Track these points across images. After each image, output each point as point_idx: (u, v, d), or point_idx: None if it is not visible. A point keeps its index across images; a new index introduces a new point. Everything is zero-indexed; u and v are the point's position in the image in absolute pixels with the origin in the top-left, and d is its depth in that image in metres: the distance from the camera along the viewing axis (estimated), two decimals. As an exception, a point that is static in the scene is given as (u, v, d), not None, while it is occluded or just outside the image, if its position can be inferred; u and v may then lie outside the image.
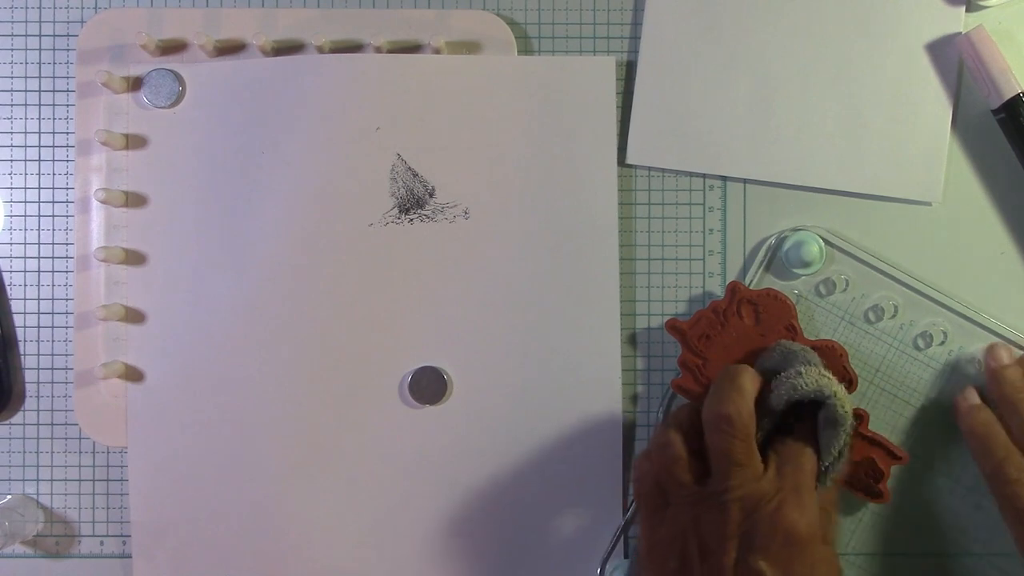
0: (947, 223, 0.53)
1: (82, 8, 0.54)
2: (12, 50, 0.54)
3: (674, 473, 0.47)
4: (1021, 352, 0.52)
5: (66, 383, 0.54)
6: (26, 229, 0.54)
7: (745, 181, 0.54)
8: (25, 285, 0.54)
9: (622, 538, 0.53)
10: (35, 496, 0.54)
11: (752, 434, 0.46)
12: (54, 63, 0.54)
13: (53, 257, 0.54)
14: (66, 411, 0.54)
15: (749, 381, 0.47)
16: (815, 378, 0.46)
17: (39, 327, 0.54)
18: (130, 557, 0.54)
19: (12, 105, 0.54)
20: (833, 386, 0.47)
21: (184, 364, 0.53)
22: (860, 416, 0.51)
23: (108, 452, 0.54)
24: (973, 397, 0.51)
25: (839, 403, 0.46)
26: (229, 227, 0.53)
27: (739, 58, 0.53)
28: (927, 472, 0.53)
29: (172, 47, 0.53)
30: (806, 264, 0.52)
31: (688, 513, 0.46)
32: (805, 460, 0.46)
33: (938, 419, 0.53)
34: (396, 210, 0.53)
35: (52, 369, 0.54)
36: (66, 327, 0.54)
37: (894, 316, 0.53)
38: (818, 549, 0.44)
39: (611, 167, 0.53)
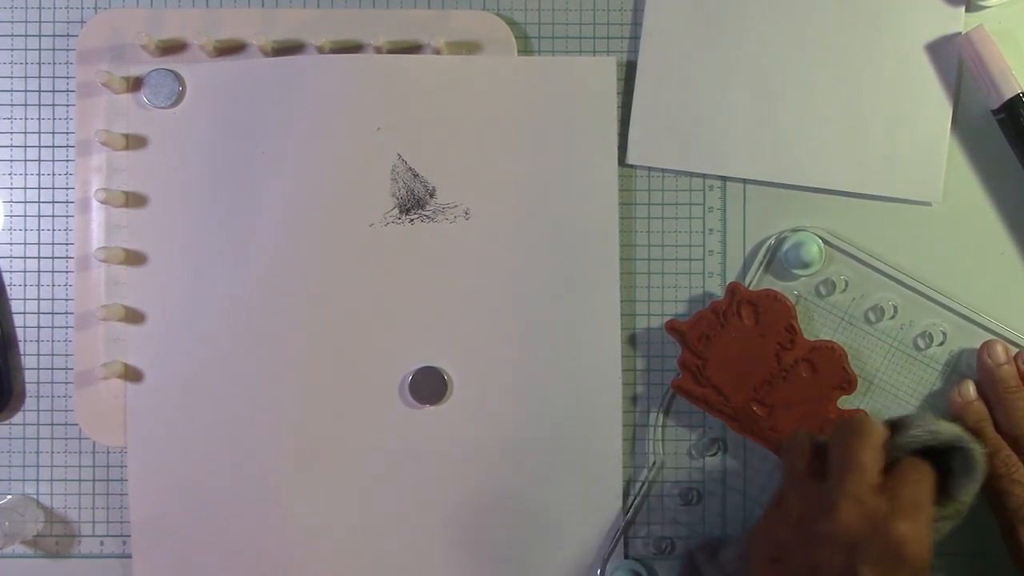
0: (947, 223, 0.53)
1: (82, 8, 0.54)
2: (12, 50, 0.54)
3: (793, 462, 0.46)
4: (1017, 350, 0.52)
5: (66, 383, 0.54)
6: (26, 229, 0.54)
7: (745, 181, 0.54)
8: (25, 285, 0.54)
9: (622, 538, 0.53)
10: (35, 496, 0.54)
11: (879, 444, 0.44)
12: (54, 63, 0.54)
13: (53, 257, 0.54)
14: (66, 411, 0.54)
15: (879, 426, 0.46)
16: (953, 427, 0.46)
17: (39, 327, 0.54)
18: (130, 557, 0.54)
19: (12, 105, 0.54)
20: (972, 438, 0.46)
21: (184, 364, 0.53)
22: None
23: (108, 452, 0.54)
24: (968, 393, 0.51)
25: (978, 451, 0.45)
26: (229, 227, 0.53)
27: (739, 58, 0.53)
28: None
29: (172, 47, 0.53)
30: (805, 265, 0.52)
31: (797, 507, 0.44)
32: (924, 481, 0.44)
33: (938, 419, 0.53)
34: (397, 210, 0.53)
35: (52, 369, 0.54)
36: (66, 327, 0.54)
37: (894, 316, 0.53)
38: (924, 569, 0.42)
39: (612, 167, 0.53)
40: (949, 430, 0.46)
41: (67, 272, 0.54)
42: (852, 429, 0.45)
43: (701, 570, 0.52)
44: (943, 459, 0.46)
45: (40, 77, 0.54)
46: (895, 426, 0.46)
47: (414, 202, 0.53)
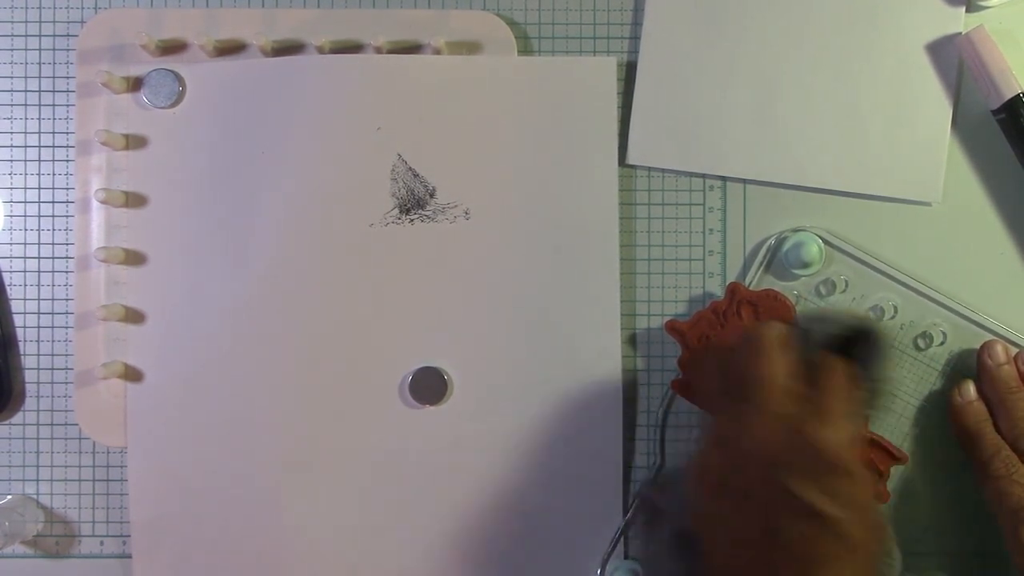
0: (947, 223, 0.53)
1: (82, 8, 0.54)
2: (12, 50, 0.54)
3: (709, 387, 0.46)
4: (1017, 350, 0.52)
5: (66, 383, 0.54)
6: (26, 229, 0.54)
7: (745, 181, 0.54)
8: (25, 285, 0.54)
9: (622, 538, 0.53)
10: (35, 496, 0.54)
11: (781, 353, 0.44)
12: (54, 63, 0.54)
13: (53, 257, 0.54)
14: (66, 411, 0.54)
15: (781, 326, 0.46)
16: (850, 315, 0.45)
17: (39, 327, 0.54)
18: (130, 557, 0.54)
19: (12, 105, 0.54)
20: (869, 318, 0.45)
21: (184, 364, 0.53)
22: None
23: (108, 452, 0.54)
24: (968, 393, 0.51)
25: (879, 329, 0.45)
26: (229, 227, 0.53)
27: (739, 58, 0.53)
28: (927, 472, 0.53)
29: (172, 47, 0.53)
30: (805, 265, 0.52)
31: (721, 431, 0.44)
32: (836, 378, 0.43)
33: (938, 419, 0.53)
34: (397, 210, 0.53)
35: (52, 369, 0.54)
36: (66, 327, 0.54)
37: (894, 316, 0.53)
38: (852, 469, 0.41)
39: (612, 168, 0.53)
40: (845, 319, 0.45)
41: (67, 272, 0.54)
42: (752, 345, 0.45)
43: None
44: (855, 345, 0.45)
45: (40, 77, 0.54)
46: (804, 323, 0.46)
47: (414, 202, 0.53)
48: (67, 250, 0.54)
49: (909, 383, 0.53)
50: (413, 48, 0.53)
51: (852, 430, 0.42)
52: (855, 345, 0.45)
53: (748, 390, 0.44)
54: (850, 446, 0.42)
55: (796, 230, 0.53)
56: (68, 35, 0.54)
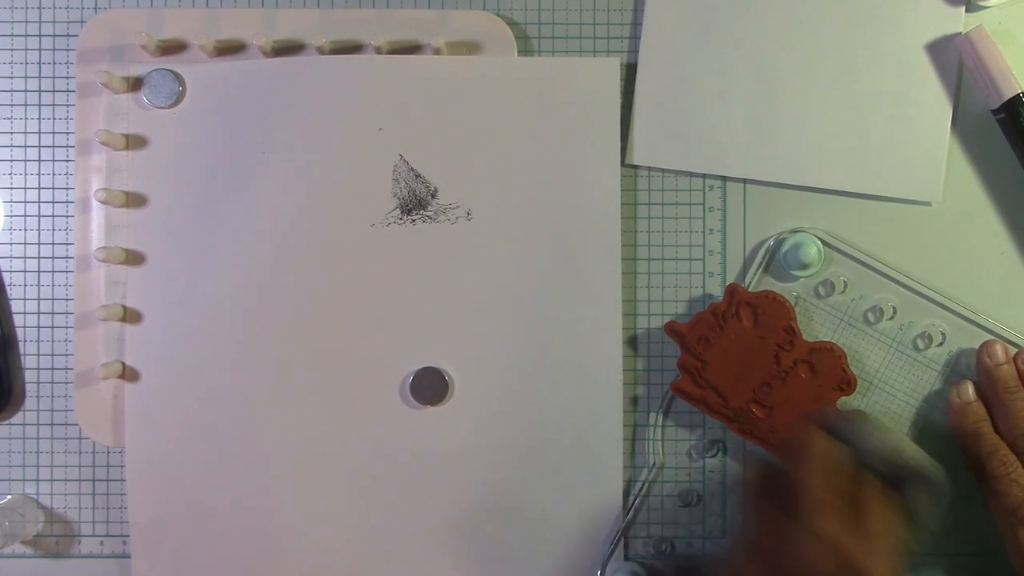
0: (947, 223, 0.53)
1: (82, 8, 0.54)
2: (12, 50, 0.54)
3: (754, 498, 0.46)
4: (1016, 350, 0.52)
5: (66, 383, 0.54)
6: (26, 229, 0.54)
7: (745, 181, 0.54)
8: (25, 285, 0.54)
9: (622, 540, 0.53)
10: (35, 496, 0.54)
11: (835, 470, 0.44)
12: (54, 63, 0.54)
13: (53, 257, 0.54)
14: (66, 411, 0.54)
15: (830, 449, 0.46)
16: (917, 454, 0.45)
17: (39, 327, 0.54)
18: (130, 557, 0.54)
19: (12, 105, 0.54)
20: (936, 465, 0.46)
21: (184, 364, 0.53)
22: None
23: (108, 452, 0.54)
24: (967, 393, 0.51)
25: (942, 479, 0.45)
26: (229, 227, 0.53)
27: (739, 58, 0.53)
28: (926, 472, 0.53)
29: (172, 47, 0.53)
30: (804, 266, 0.52)
31: (764, 545, 0.44)
32: (890, 512, 0.44)
33: (937, 419, 0.53)
34: (398, 211, 0.53)
35: (52, 369, 0.54)
36: (66, 327, 0.54)
37: (893, 317, 0.53)
38: None
39: (614, 168, 0.53)
40: (914, 458, 0.45)
41: (67, 272, 0.54)
42: (805, 462, 0.45)
43: None
44: (908, 480, 0.46)
45: (40, 77, 0.54)
46: (850, 431, 0.45)
47: (416, 202, 0.53)
48: (67, 250, 0.54)
49: (908, 383, 0.53)
50: (413, 48, 0.53)
51: (896, 561, 0.42)
52: (908, 480, 0.45)
53: (799, 509, 0.43)
54: None
55: (795, 231, 0.53)
56: (68, 35, 0.54)
